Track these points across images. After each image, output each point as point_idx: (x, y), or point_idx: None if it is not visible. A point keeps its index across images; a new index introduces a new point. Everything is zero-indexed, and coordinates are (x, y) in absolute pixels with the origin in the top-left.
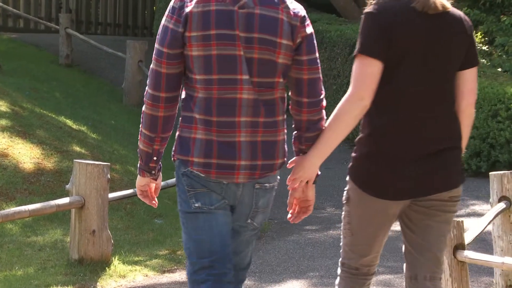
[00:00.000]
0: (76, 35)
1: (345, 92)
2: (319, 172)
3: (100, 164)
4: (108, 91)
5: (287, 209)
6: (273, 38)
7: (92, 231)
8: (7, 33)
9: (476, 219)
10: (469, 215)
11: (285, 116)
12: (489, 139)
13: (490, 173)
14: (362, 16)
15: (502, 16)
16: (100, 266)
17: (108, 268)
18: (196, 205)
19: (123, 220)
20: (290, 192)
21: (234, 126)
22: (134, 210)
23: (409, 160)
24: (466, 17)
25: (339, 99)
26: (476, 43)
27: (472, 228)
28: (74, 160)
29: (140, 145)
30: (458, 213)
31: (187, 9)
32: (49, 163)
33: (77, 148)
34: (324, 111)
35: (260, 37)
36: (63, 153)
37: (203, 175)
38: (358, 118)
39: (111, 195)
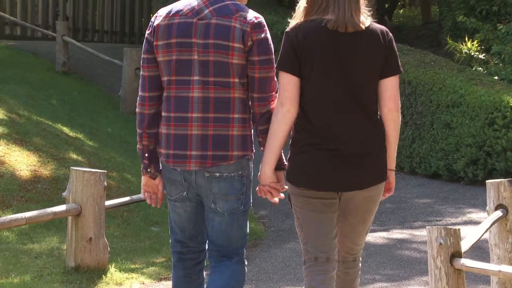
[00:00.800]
0: (73, 43)
1: None
2: (285, 162)
3: (96, 172)
4: (105, 99)
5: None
6: (226, 42)
7: (89, 239)
8: (4, 40)
9: (473, 227)
10: (466, 223)
11: (247, 115)
12: (486, 147)
13: (486, 181)
14: (286, 31)
15: (498, 24)
16: (96, 273)
17: (104, 275)
18: (165, 191)
19: (119, 228)
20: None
21: (187, 121)
22: (130, 217)
23: (323, 156)
24: (386, 31)
25: None
26: (397, 54)
27: (468, 236)
28: (71, 167)
29: (138, 144)
30: (455, 221)
31: (156, 22)
32: (45, 171)
33: (74, 156)
34: (272, 104)
35: (215, 43)
36: (59, 160)
37: (166, 164)
38: (285, 122)
39: (108, 202)
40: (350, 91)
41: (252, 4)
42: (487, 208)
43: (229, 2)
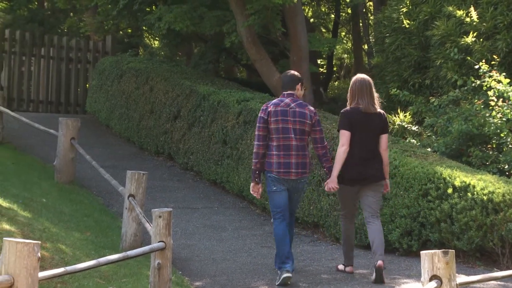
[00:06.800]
0: (7, 112)
1: None
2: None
3: (30, 243)
4: (40, 169)
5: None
6: (304, 120)
7: None
8: None
9: None
10: None
11: (309, 152)
12: (420, 218)
13: (421, 252)
14: (341, 111)
15: (430, 97)
16: None
17: None
18: (274, 188)
19: None
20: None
21: (289, 156)
22: None
23: (357, 170)
24: (384, 113)
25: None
26: (388, 123)
27: None
28: (4, 238)
29: (252, 166)
30: None
31: (268, 109)
32: None
33: (7, 227)
34: (326, 148)
35: (299, 120)
36: None
37: (277, 176)
38: (345, 153)
39: (41, 274)
40: (371, 140)
41: (189, 75)
42: (421, 279)
43: (301, 101)
